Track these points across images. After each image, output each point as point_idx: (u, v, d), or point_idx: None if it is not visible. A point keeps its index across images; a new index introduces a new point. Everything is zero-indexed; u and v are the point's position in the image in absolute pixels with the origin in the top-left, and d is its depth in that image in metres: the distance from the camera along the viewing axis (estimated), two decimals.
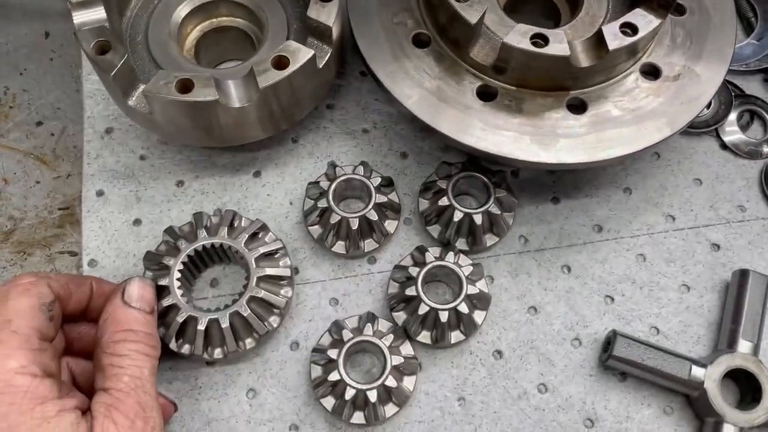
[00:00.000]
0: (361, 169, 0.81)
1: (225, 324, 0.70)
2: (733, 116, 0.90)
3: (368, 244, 0.80)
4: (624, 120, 0.76)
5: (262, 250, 0.75)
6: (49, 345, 0.60)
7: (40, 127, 0.86)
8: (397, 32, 0.80)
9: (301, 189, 0.85)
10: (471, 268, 0.76)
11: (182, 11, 0.81)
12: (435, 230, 0.82)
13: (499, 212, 0.79)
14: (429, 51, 0.79)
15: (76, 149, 0.88)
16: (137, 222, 0.83)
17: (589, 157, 0.74)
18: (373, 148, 0.88)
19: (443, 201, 0.79)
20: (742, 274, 0.79)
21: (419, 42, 0.80)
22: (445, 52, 0.79)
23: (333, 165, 0.84)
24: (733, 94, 0.91)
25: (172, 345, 0.71)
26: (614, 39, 0.71)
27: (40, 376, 0.57)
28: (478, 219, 0.78)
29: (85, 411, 0.59)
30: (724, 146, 0.89)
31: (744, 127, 0.91)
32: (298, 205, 0.84)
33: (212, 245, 0.75)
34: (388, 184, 0.82)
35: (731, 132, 0.89)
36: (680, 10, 0.82)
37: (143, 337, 0.63)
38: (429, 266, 0.76)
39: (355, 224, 0.77)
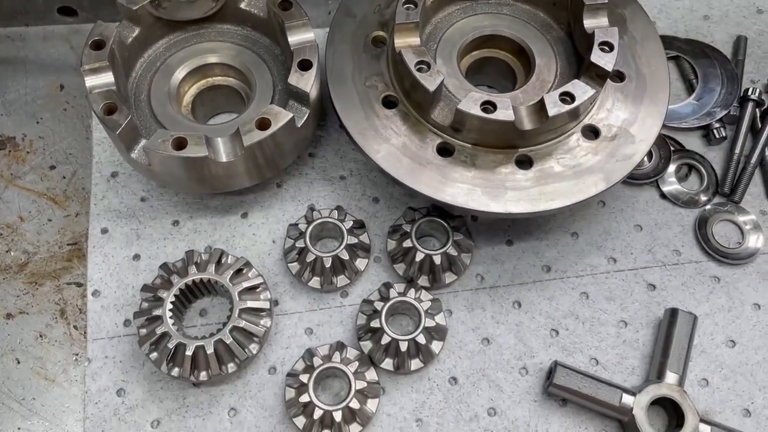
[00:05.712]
0: (336, 213, 0.92)
1: (210, 350, 0.80)
2: (672, 169, 1.01)
3: (341, 280, 0.90)
4: (565, 175, 0.86)
5: (245, 284, 0.85)
6: None
7: (53, 170, 0.98)
8: (369, 94, 0.91)
9: (283, 229, 0.95)
10: (430, 303, 0.86)
11: (180, 73, 0.93)
12: (400, 268, 0.92)
13: (457, 253, 0.89)
14: (396, 111, 0.90)
15: (85, 191, 0.98)
16: (137, 257, 0.93)
17: (532, 207, 0.84)
18: (348, 193, 0.98)
19: (407, 243, 0.89)
20: (672, 313, 0.88)
21: (388, 103, 0.91)
22: (410, 113, 0.90)
23: (311, 209, 0.94)
24: (672, 148, 1.02)
25: (163, 368, 0.81)
26: (554, 106, 0.82)
27: None
28: (437, 259, 0.88)
29: None
30: (663, 196, 0.99)
31: (682, 179, 1.01)
32: (280, 243, 0.94)
33: (201, 280, 0.85)
34: (360, 226, 0.93)
35: (670, 183, 1.00)
36: (621, 77, 0.93)
37: None
38: (392, 301, 0.86)
39: (328, 263, 0.88)
